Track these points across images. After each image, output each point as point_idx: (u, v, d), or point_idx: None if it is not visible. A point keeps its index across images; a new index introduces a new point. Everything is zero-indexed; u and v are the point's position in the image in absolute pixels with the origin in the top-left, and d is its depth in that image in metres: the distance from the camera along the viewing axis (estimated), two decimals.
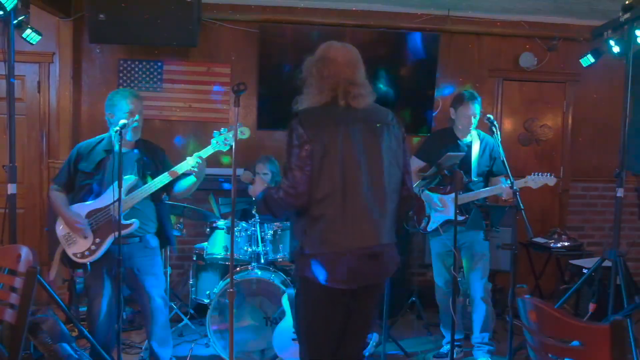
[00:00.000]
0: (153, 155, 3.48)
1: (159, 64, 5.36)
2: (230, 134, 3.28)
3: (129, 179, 3.28)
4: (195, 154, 3.31)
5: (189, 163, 3.30)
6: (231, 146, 3.26)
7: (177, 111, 5.42)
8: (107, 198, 3.25)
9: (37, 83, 5.26)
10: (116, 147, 3.26)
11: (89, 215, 3.29)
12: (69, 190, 3.37)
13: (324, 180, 2.41)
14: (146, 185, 3.31)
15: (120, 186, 3.05)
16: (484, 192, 3.94)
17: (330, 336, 2.57)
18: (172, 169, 3.33)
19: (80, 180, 3.33)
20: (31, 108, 5.28)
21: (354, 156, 2.45)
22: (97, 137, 3.45)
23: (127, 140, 3.14)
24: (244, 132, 3.25)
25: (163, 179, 3.31)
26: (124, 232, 3.18)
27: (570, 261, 5.04)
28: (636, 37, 3.78)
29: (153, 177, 3.35)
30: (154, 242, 3.45)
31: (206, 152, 3.34)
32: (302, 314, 2.60)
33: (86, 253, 3.27)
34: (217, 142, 3.32)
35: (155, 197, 3.38)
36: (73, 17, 5.15)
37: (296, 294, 2.68)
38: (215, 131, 3.34)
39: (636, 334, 3.48)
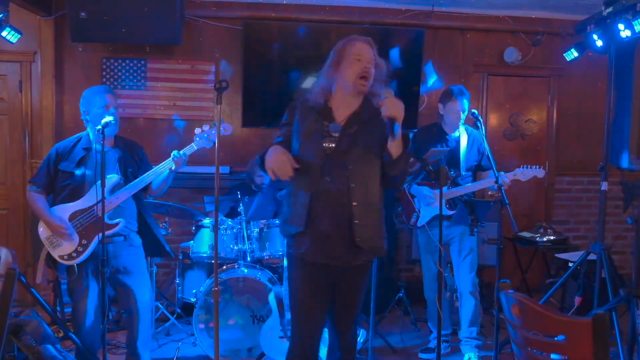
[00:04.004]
0: (132, 152, 3.44)
1: (143, 62, 5.31)
2: (213, 131, 3.26)
3: (112, 177, 3.25)
4: (178, 152, 3.27)
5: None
6: (214, 143, 3.25)
7: (162, 109, 5.38)
8: (91, 198, 3.21)
9: (19, 82, 5.19)
10: (98, 146, 3.22)
11: (73, 216, 3.23)
12: (49, 192, 3.31)
13: None
14: (137, 180, 3.27)
15: (103, 185, 3.01)
16: (473, 186, 3.95)
17: None
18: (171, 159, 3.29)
19: (61, 180, 3.27)
20: (13, 108, 5.21)
21: None
22: (75, 136, 3.40)
23: (106, 136, 3.10)
24: (227, 129, 3.25)
25: (155, 172, 3.29)
26: (110, 231, 3.16)
27: (556, 255, 5.07)
28: (619, 31, 3.79)
29: (134, 174, 3.32)
30: (138, 240, 3.42)
31: (190, 149, 3.32)
32: None
33: (73, 255, 3.22)
34: (199, 139, 3.30)
35: (137, 195, 3.35)
36: (54, 16, 5.08)
37: None
38: (197, 128, 3.32)
39: (621, 327, 3.50)
